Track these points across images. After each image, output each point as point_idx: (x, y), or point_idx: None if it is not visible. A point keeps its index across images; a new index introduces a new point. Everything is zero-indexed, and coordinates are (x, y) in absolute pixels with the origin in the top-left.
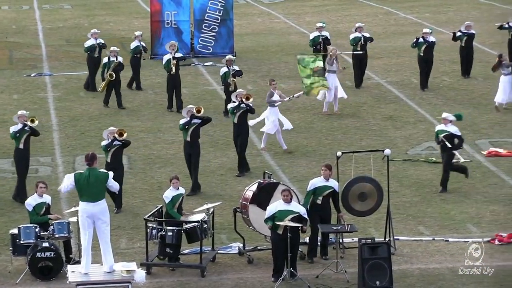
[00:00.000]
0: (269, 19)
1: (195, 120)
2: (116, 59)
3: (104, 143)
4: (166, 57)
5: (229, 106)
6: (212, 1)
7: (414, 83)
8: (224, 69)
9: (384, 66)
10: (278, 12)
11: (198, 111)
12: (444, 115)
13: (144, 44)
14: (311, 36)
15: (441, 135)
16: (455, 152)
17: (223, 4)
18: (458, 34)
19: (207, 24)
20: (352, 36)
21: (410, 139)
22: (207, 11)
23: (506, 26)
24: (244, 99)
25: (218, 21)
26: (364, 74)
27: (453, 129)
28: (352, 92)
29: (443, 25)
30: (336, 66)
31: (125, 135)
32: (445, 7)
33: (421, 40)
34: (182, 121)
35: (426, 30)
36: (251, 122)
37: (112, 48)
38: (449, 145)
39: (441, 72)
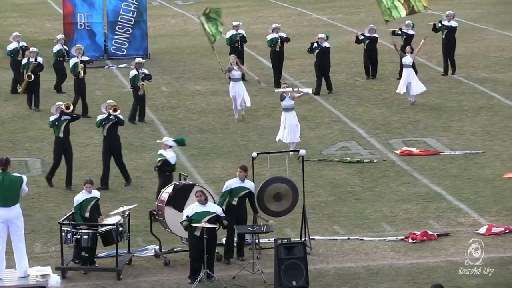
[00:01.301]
0: (183, 21)
1: (65, 117)
2: (35, 60)
3: None
4: (73, 61)
5: (98, 118)
6: (126, 2)
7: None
8: (134, 72)
9: (298, 66)
10: (192, 13)
11: (67, 108)
12: (164, 139)
13: (66, 48)
14: (228, 34)
15: (158, 159)
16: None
17: (136, 6)
18: (361, 37)
19: (120, 26)
20: (269, 37)
21: (325, 139)
22: (121, 12)
23: (399, 32)
24: (111, 111)
25: (132, 23)
26: (281, 75)
27: (169, 155)
28: (267, 93)
29: (355, 26)
30: (239, 72)
31: None
32: (357, 8)
33: (315, 45)
34: (51, 118)
35: (321, 35)
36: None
37: (31, 49)
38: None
39: (354, 73)
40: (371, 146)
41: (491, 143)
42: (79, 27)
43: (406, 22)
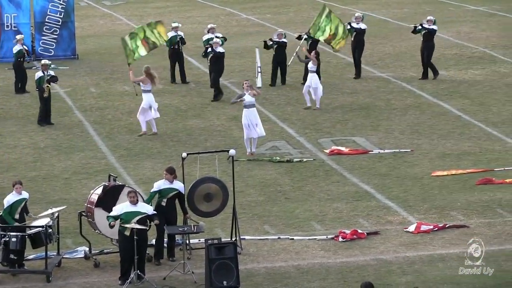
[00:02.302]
0: (111, 21)
1: None
2: None
3: None
4: None
5: None
6: (53, 3)
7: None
8: (39, 74)
9: (227, 67)
10: (120, 14)
11: None
12: None
13: (27, 48)
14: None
15: None
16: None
17: (64, 6)
18: (270, 43)
19: (48, 27)
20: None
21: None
22: (48, 13)
23: (305, 36)
24: None
25: (59, 24)
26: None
27: None
28: (196, 93)
29: (284, 26)
30: (150, 84)
31: None
32: (285, 8)
33: (209, 49)
34: None
35: (216, 39)
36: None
37: None
38: None
39: None
40: (300, 146)
41: (419, 142)
42: (5, 28)
43: None
